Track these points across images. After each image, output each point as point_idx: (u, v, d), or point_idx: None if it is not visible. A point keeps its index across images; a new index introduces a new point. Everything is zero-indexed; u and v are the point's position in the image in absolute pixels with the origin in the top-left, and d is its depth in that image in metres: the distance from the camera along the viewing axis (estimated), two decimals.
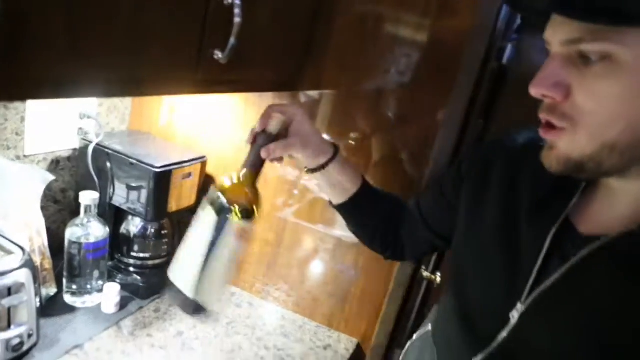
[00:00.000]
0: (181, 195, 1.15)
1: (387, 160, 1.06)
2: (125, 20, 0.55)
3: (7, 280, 0.81)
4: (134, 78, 0.61)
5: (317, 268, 1.19)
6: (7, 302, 0.81)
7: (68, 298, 1.06)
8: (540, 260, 0.57)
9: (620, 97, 0.47)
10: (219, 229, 0.68)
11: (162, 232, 1.17)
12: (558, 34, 0.50)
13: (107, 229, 1.06)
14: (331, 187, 0.83)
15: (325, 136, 0.82)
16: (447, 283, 0.73)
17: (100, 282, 1.08)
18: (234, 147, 1.19)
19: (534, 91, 0.51)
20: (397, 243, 0.88)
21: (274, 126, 0.73)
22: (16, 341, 0.84)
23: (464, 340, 0.66)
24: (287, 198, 1.18)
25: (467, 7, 0.92)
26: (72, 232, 1.02)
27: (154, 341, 1.00)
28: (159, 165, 1.04)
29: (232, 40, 0.69)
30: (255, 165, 0.73)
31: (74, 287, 1.06)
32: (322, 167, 0.79)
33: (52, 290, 1.06)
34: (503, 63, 1.55)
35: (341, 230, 1.14)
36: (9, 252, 0.87)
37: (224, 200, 0.69)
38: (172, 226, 1.19)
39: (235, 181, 0.71)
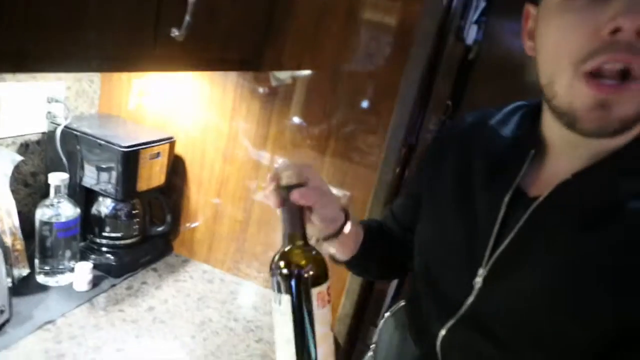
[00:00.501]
0: (151, 175, 1.17)
1: (349, 143, 1.10)
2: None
3: None
4: (96, 55, 0.63)
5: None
6: None
7: (41, 278, 1.08)
8: (496, 226, 0.60)
9: None
10: (301, 309, 0.56)
11: (133, 211, 1.20)
12: None
13: (78, 209, 1.08)
14: (339, 247, 0.74)
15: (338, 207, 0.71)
16: (415, 258, 0.75)
17: (72, 262, 1.10)
18: (201, 127, 1.22)
19: (635, 22, 0.43)
20: (398, 261, 0.85)
21: (289, 177, 0.61)
22: None
23: (434, 308, 0.68)
24: (253, 180, 1.22)
25: None
26: (42, 213, 1.04)
27: (125, 316, 1.03)
28: (126, 145, 1.06)
29: (187, 17, 0.72)
30: (295, 224, 0.61)
31: (47, 267, 1.08)
32: (339, 232, 0.69)
33: (25, 271, 1.08)
34: (467, 43, 1.60)
35: None
36: None
37: (291, 276, 0.58)
38: (142, 206, 1.22)
39: (288, 249, 0.59)
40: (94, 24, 0.61)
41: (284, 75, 1.13)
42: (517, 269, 0.58)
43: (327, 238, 0.69)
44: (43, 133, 1.18)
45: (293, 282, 0.57)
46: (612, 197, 0.52)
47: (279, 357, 0.58)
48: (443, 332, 0.65)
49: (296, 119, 1.14)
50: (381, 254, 0.82)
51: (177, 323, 1.05)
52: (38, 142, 1.18)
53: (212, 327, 1.06)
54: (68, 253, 1.09)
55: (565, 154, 0.58)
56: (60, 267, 1.09)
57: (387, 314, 0.88)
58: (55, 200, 1.05)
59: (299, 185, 0.61)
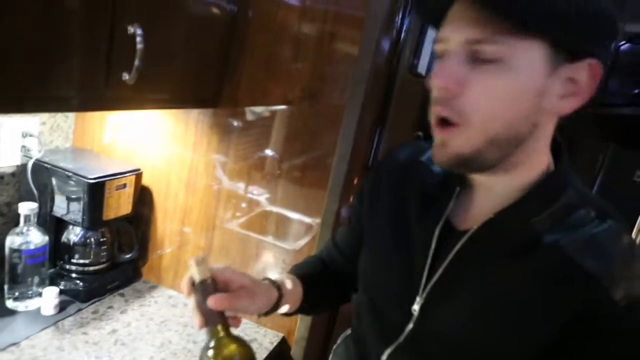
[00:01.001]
0: (118, 204, 1.25)
1: (301, 173, 1.19)
2: (39, 42, 0.66)
3: None
4: (52, 96, 0.72)
5: (248, 270, 1.29)
6: None
7: (10, 303, 1.14)
8: (429, 258, 0.65)
9: (505, 96, 0.53)
10: None
11: (102, 239, 1.27)
12: (459, 33, 0.53)
13: (46, 237, 1.15)
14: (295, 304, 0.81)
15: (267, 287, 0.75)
16: (359, 287, 0.79)
17: (40, 287, 1.16)
18: (166, 160, 1.31)
19: (437, 83, 0.54)
20: (347, 292, 0.91)
21: (196, 271, 0.62)
22: None
23: (376, 334, 0.73)
24: (213, 210, 1.28)
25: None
26: (12, 240, 1.11)
27: (88, 338, 1.09)
28: (92, 176, 1.14)
29: (136, 62, 0.81)
30: (213, 320, 0.61)
31: (16, 292, 1.14)
32: (275, 307, 0.74)
33: None
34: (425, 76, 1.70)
35: (271, 236, 1.26)
36: None
37: None
38: (111, 234, 1.29)
39: (212, 344, 0.60)
40: (52, 69, 0.70)
41: (259, 109, 1.23)
42: (448, 297, 0.64)
43: (262, 315, 0.73)
44: (17, 165, 1.27)
45: None
46: (529, 233, 0.59)
47: None
48: (384, 357, 0.69)
49: (268, 151, 1.23)
50: (325, 297, 0.89)
51: (137, 345, 1.10)
52: (13, 174, 1.26)
53: (171, 349, 1.11)
54: (37, 279, 1.15)
55: (484, 191, 0.64)
56: (29, 292, 1.15)
57: (338, 340, 0.92)
58: (25, 229, 1.12)
59: (212, 280, 0.62)
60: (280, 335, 1.27)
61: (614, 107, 2.01)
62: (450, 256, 0.64)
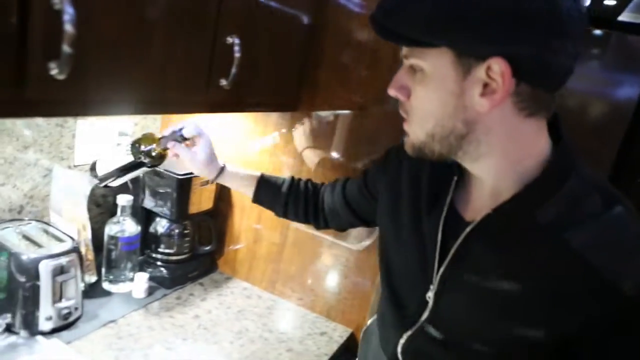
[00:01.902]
0: (200, 200, 1.35)
1: None
2: (156, 56, 0.75)
3: (60, 261, 1.02)
4: (160, 100, 0.81)
5: (318, 268, 1.36)
6: (60, 278, 1.02)
7: (106, 285, 1.27)
8: (437, 248, 0.68)
9: (429, 100, 0.60)
10: None
11: (185, 231, 1.37)
12: (402, 49, 0.63)
13: (139, 227, 1.27)
14: (237, 189, 1.11)
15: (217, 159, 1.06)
16: (381, 276, 0.84)
17: (132, 273, 1.28)
18: (245, 159, 1.39)
19: (389, 91, 0.65)
20: (320, 218, 1.04)
21: (186, 130, 1.00)
22: (66, 311, 1.05)
23: (396, 320, 0.77)
24: None
25: None
26: (110, 228, 1.24)
27: (174, 321, 1.19)
28: (181, 173, 1.25)
29: (233, 70, 0.89)
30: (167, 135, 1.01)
31: (111, 275, 1.26)
32: (206, 182, 1.14)
33: (94, 278, 1.27)
34: None
35: (333, 236, 1.31)
36: (61, 240, 1.09)
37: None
38: (193, 227, 1.39)
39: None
40: (161, 76, 0.79)
41: (325, 113, 1.29)
42: (456, 286, 0.67)
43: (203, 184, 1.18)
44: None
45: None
46: (532, 224, 0.60)
47: None
48: (402, 340, 0.74)
49: (334, 154, 1.29)
50: (278, 202, 1.05)
51: (218, 330, 1.19)
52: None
53: (249, 336, 1.19)
54: (129, 264, 1.27)
55: (478, 181, 0.66)
56: (122, 276, 1.27)
57: (367, 323, 0.98)
58: (121, 218, 1.24)
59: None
60: (349, 330, 1.32)
61: None
62: (455, 246, 0.66)
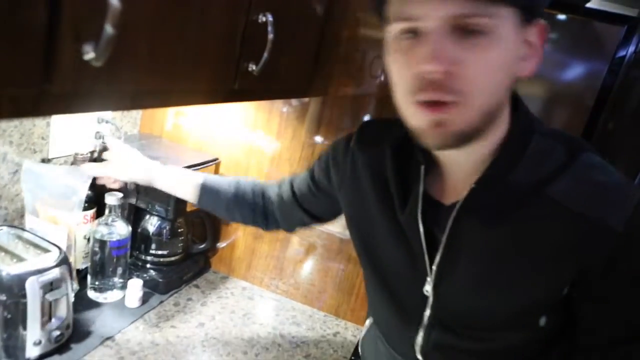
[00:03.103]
0: None
1: None
2: (182, 39, 0.62)
3: (49, 276, 0.87)
4: (191, 89, 0.68)
5: (322, 263, 1.28)
6: (50, 296, 0.87)
7: (92, 294, 1.12)
8: (423, 240, 0.65)
9: (498, 68, 0.53)
10: None
11: (178, 230, 1.24)
12: (439, 8, 0.50)
13: (130, 228, 1.12)
14: (175, 193, 1.00)
15: (144, 162, 1.01)
16: (365, 276, 0.81)
17: (121, 280, 1.14)
18: (245, 149, 1.27)
19: (431, 67, 0.50)
20: (269, 220, 0.96)
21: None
22: (57, 333, 0.90)
23: (400, 321, 0.74)
24: None
25: None
26: (97, 231, 1.08)
27: (178, 332, 1.07)
28: (178, 166, 1.11)
29: (265, 54, 0.77)
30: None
31: (97, 283, 1.11)
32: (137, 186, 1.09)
33: (75, 287, 1.11)
34: None
35: (341, 228, 1.24)
36: (43, 249, 0.93)
37: None
38: (186, 225, 1.26)
39: None
40: (184, 63, 0.66)
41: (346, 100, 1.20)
42: (456, 271, 0.65)
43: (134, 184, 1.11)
44: (92, 152, 1.22)
45: None
46: (512, 189, 0.59)
47: None
48: (419, 339, 0.71)
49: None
50: (223, 214, 0.99)
51: (228, 339, 1.08)
52: (87, 161, 1.22)
53: (262, 343, 1.10)
54: (119, 270, 1.13)
55: (455, 163, 0.64)
56: (110, 283, 1.12)
57: (367, 323, 0.93)
58: (110, 219, 1.09)
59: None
60: (361, 328, 1.26)
61: None
62: (446, 232, 0.64)
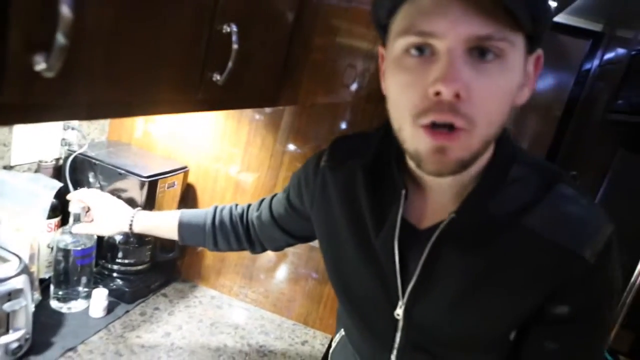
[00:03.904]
0: (163, 203, 1.21)
1: None
2: (143, 49, 0.62)
3: (7, 286, 0.85)
4: (151, 100, 0.68)
5: (291, 272, 1.28)
6: (7, 306, 0.85)
7: (54, 304, 1.09)
8: (397, 265, 0.65)
9: (506, 95, 0.52)
10: None
11: (146, 238, 1.22)
12: (461, 28, 0.47)
13: (95, 237, 1.10)
14: (159, 234, 1.01)
15: (124, 210, 1.02)
16: (337, 296, 0.80)
17: (86, 289, 1.12)
18: (214, 158, 1.27)
19: (449, 89, 0.48)
20: (254, 243, 0.96)
21: (73, 208, 1.03)
22: (14, 345, 0.88)
23: (372, 342, 0.75)
24: None
25: None
26: (61, 240, 1.06)
27: (143, 342, 1.05)
28: (146, 174, 1.10)
29: (230, 64, 0.78)
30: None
31: (60, 292, 1.09)
32: (126, 233, 1.03)
33: (37, 298, 1.09)
34: None
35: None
36: (5, 260, 0.91)
37: None
38: None
39: None
40: (144, 74, 0.66)
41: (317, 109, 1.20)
42: (430, 296, 0.65)
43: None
44: (57, 159, 1.20)
45: None
46: (491, 217, 0.60)
47: None
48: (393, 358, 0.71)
49: (301, 149, 1.21)
50: (205, 245, 0.97)
51: (194, 349, 1.07)
52: (52, 169, 1.20)
53: (229, 352, 1.09)
54: (84, 279, 1.11)
55: (437, 188, 0.64)
56: (74, 293, 1.10)
57: (337, 336, 0.93)
58: (74, 228, 1.07)
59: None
60: (329, 336, 1.26)
61: (624, 114, 2.07)
62: (423, 257, 0.64)
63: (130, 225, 1.00)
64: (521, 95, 0.56)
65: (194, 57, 0.74)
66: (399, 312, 0.67)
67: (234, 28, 0.77)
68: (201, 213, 0.97)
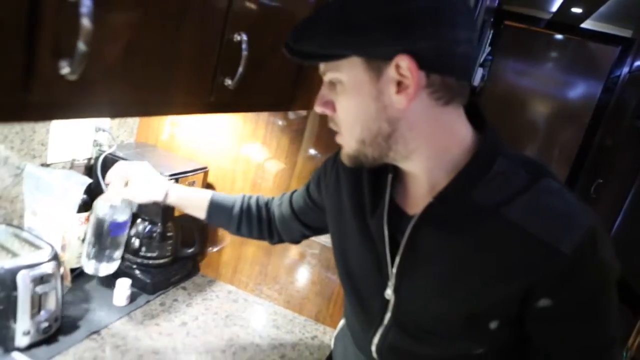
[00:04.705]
0: None
1: None
2: (167, 54, 0.69)
3: (40, 271, 0.94)
4: (166, 101, 0.75)
5: (305, 270, 1.33)
6: (40, 289, 0.94)
7: (85, 262, 1.08)
8: (387, 246, 0.71)
9: (351, 108, 0.65)
10: None
11: (167, 234, 1.30)
12: (320, 68, 0.68)
13: (130, 211, 1.11)
14: (187, 210, 1.07)
15: (159, 179, 1.06)
16: (340, 279, 0.87)
17: (118, 253, 1.12)
18: (232, 159, 1.34)
19: (315, 109, 0.70)
20: (273, 233, 1.04)
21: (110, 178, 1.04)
22: (45, 324, 0.96)
23: (362, 320, 0.81)
24: None
25: None
26: (101, 208, 1.09)
27: (161, 329, 1.13)
28: (168, 173, 1.18)
29: (240, 70, 0.84)
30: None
31: (92, 255, 1.08)
32: (156, 204, 1.05)
33: (67, 286, 1.18)
34: (473, 85, 1.74)
35: (325, 237, 1.29)
36: (36, 247, 1.01)
37: None
38: (175, 229, 1.33)
39: None
40: (159, 78, 0.73)
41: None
42: (413, 278, 0.71)
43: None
44: (89, 159, 1.30)
45: None
46: (471, 205, 0.64)
47: None
48: (375, 340, 0.77)
49: (314, 151, 1.27)
50: (229, 229, 1.05)
51: (208, 338, 1.14)
52: (84, 167, 1.30)
53: (240, 343, 1.15)
54: (115, 249, 1.10)
55: (412, 176, 0.70)
56: (106, 254, 1.09)
57: (340, 323, 1.00)
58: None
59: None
60: None
61: None
62: (404, 240, 0.70)
63: (165, 195, 1.03)
64: (400, 100, 0.61)
65: (207, 63, 0.81)
66: (389, 292, 0.73)
67: (244, 37, 0.84)
68: (230, 197, 1.05)
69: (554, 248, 0.60)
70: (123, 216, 1.13)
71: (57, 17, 0.51)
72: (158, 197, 1.03)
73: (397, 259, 0.71)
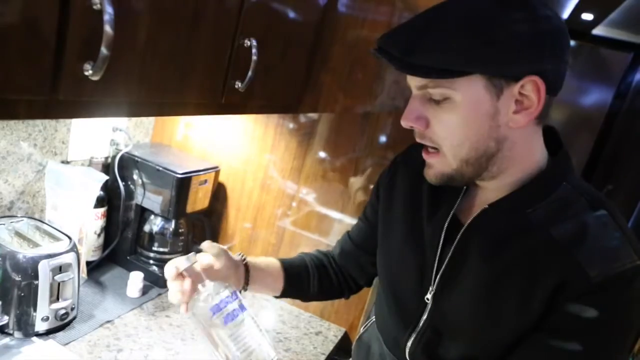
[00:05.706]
0: (196, 199, 1.33)
1: (370, 179, 1.26)
2: (174, 59, 0.75)
3: (59, 260, 0.99)
4: (180, 102, 0.80)
5: None
6: (58, 277, 0.99)
7: None
8: (438, 251, 0.73)
9: (461, 126, 0.62)
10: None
11: (180, 230, 1.36)
12: (413, 81, 0.65)
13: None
14: (263, 290, 0.94)
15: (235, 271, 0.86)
16: (379, 280, 0.88)
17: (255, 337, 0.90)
18: (243, 159, 1.39)
19: (404, 123, 0.66)
20: (348, 284, 0.98)
21: (183, 262, 0.81)
22: (62, 311, 1.02)
23: (398, 323, 0.81)
24: (285, 209, 1.37)
25: None
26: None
27: (171, 321, 1.18)
28: (180, 172, 1.23)
29: (250, 73, 0.89)
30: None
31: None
32: (245, 284, 0.88)
33: (83, 277, 1.24)
34: None
35: (331, 236, 1.33)
36: (56, 238, 1.06)
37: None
38: (187, 226, 1.38)
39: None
40: (173, 80, 0.78)
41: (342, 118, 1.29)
42: (454, 285, 0.71)
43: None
44: (106, 157, 1.36)
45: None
46: (522, 222, 0.65)
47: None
48: (409, 343, 0.78)
49: (322, 153, 1.31)
50: (308, 291, 0.95)
51: None
52: (102, 165, 1.36)
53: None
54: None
55: (484, 190, 0.71)
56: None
57: (361, 329, 1.01)
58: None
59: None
60: (343, 329, 1.34)
61: None
62: (453, 247, 0.71)
63: (246, 277, 0.89)
64: (519, 119, 0.62)
65: (219, 67, 0.86)
66: (429, 296, 0.74)
67: (254, 42, 0.89)
68: (293, 258, 0.98)
69: (581, 269, 0.60)
70: (217, 297, 0.87)
71: (83, 24, 0.57)
72: (240, 279, 0.88)
73: (443, 265, 0.72)
